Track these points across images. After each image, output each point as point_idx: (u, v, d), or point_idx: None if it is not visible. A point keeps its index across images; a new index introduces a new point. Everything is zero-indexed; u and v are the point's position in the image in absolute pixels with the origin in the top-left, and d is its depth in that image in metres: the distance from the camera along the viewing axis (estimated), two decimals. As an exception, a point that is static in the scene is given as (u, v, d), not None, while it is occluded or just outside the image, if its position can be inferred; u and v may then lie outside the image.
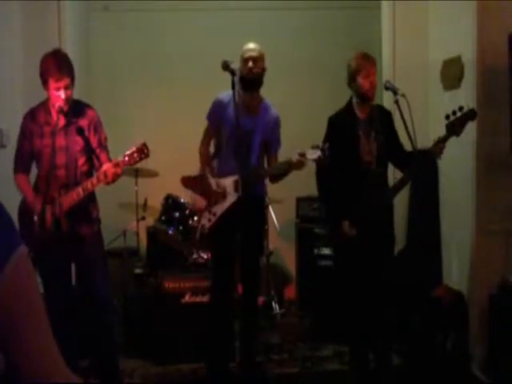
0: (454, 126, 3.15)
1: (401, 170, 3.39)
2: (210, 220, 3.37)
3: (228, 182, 3.34)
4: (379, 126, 3.29)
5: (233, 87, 3.13)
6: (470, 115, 3.19)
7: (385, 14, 4.49)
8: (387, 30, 4.44)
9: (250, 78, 3.29)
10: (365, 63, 3.24)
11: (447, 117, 3.16)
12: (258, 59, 3.39)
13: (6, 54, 3.98)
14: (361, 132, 3.28)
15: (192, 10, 5.21)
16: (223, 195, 3.34)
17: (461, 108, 3.16)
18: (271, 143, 3.46)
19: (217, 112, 3.41)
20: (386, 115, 3.37)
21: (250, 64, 3.34)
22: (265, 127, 3.37)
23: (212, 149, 3.58)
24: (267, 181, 3.56)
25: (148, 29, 5.37)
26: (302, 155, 3.10)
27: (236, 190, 3.27)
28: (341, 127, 3.32)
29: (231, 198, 3.30)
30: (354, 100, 3.31)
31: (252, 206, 3.29)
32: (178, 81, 5.00)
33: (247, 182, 3.21)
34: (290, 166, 3.18)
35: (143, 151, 3.02)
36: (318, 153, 3.07)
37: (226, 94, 3.38)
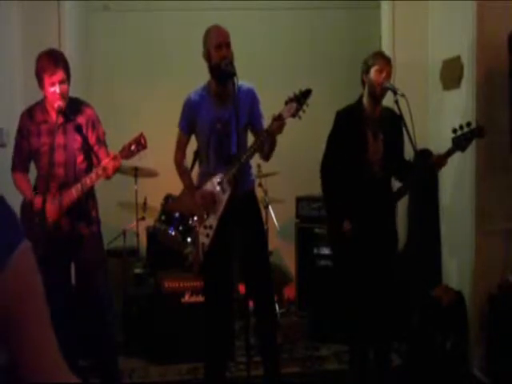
0: (460, 142, 3.13)
1: (397, 178, 3.39)
2: (208, 235, 3.15)
3: (213, 185, 3.14)
4: (388, 129, 3.27)
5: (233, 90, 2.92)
6: (478, 132, 3.15)
7: (385, 14, 4.49)
8: (387, 29, 4.44)
9: (227, 69, 2.97)
10: (379, 59, 3.24)
11: (454, 131, 3.13)
12: (229, 43, 3.08)
13: (6, 54, 3.98)
14: (369, 131, 3.26)
15: (192, 10, 5.21)
16: (213, 202, 3.13)
17: (468, 124, 3.12)
18: (255, 120, 3.19)
19: (190, 116, 3.19)
20: (396, 120, 3.27)
21: (224, 51, 3.04)
22: (244, 108, 3.04)
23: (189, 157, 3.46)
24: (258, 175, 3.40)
25: (148, 29, 5.38)
26: (278, 117, 2.91)
27: (223, 189, 3.11)
28: (348, 123, 3.30)
29: (222, 200, 3.11)
30: (365, 98, 3.30)
31: (244, 201, 3.09)
32: (177, 80, 4.99)
33: (234, 175, 3.03)
34: (270, 134, 2.96)
35: (140, 142, 3.01)
36: (294, 105, 2.89)
37: (194, 93, 3.21)
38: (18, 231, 0.83)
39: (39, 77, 3.05)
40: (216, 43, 3.05)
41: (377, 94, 3.23)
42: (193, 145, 3.39)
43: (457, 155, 3.45)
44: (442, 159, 3.15)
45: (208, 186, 3.17)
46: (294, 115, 2.91)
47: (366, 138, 3.24)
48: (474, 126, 3.14)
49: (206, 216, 3.18)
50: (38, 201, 3.07)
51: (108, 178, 3.06)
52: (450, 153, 3.15)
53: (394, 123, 3.27)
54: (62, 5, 4.25)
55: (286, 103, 2.93)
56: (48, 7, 4.19)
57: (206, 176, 3.22)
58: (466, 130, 3.12)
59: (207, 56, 3.11)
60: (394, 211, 3.37)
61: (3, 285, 0.78)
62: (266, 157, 3.22)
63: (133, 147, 3.00)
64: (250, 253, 3.20)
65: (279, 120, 2.92)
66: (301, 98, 2.90)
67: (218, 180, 3.13)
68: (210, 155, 3.19)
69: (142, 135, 3.01)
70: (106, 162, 3.02)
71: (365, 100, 3.29)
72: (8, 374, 0.80)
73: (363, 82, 3.30)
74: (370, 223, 3.20)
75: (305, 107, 2.92)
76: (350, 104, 3.36)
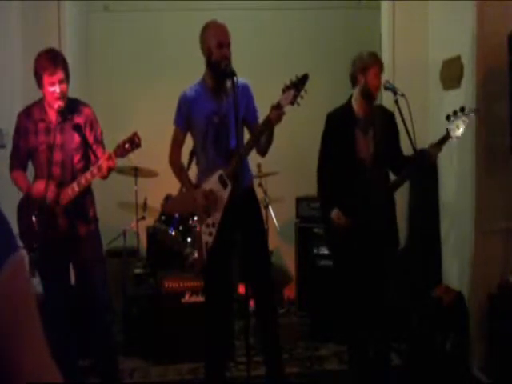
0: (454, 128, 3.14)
1: (395, 174, 3.39)
2: (211, 233, 3.11)
3: (213, 183, 3.11)
4: (379, 125, 3.28)
5: (234, 91, 2.88)
6: (474, 115, 3.16)
7: (385, 14, 4.49)
8: (387, 29, 4.44)
9: (227, 69, 2.95)
10: (375, 62, 3.22)
11: (448, 117, 3.14)
12: (230, 42, 3.08)
13: (6, 54, 3.98)
14: (358, 129, 3.26)
15: (191, 10, 5.21)
16: (214, 200, 3.10)
17: (462, 109, 3.14)
18: (250, 114, 3.19)
19: (186, 111, 3.17)
20: (388, 116, 3.33)
21: (225, 50, 3.03)
22: (240, 103, 2.98)
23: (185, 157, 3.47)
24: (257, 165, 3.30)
25: (148, 29, 5.38)
26: (277, 106, 2.90)
27: (224, 185, 3.08)
28: (338, 123, 3.31)
29: (224, 196, 3.08)
30: (355, 97, 3.29)
31: (244, 199, 3.04)
32: (177, 80, 4.98)
33: (234, 169, 3.01)
34: (270, 122, 2.94)
35: (134, 141, 3.01)
36: (292, 92, 2.87)
37: (189, 89, 3.19)
38: (12, 240, 0.82)
39: (38, 76, 3.05)
40: (218, 42, 3.05)
41: (373, 96, 3.24)
42: (188, 145, 3.39)
43: (456, 155, 3.45)
44: (437, 147, 3.15)
45: (208, 184, 3.15)
46: (292, 102, 2.89)
47: (354, 136, 3.25)
48: (468, 110, 3.13)
49: (208, 215, 3.16)
50: (39, 185, 3.06)
51: (104, 177, 3.06)
52: (444, 140, 3.14)
53: (385, 120, 3.29)
54: (61, 5, 4.25)
55: (284, 91, 2.91)
56: (48, 7, 4.19)
57: (205, 173, 3.20)
58: (459, 115, 3.13)
59: (207, 52, 3.10)
60: (392, 208, 3.36)
61: None
62: (263, 150, 3.20)
63: (127, 146, 3.00)
64: (251, 252, 3.20)
65: (278, 109, 2.91)
66: (298, 84, 2.89)
67: (219, 175, 3.11)
68: (209, 150, 3.17)
69: (135, 134, 3.02)
70: (101, 161, 3.02)
71: (356, 99, 3.28)
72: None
73: (355, 80, 3.28)
74: (366, 220, 3.19)
75: (303, 93, 2.91)
76: (340, 105, 3.37)
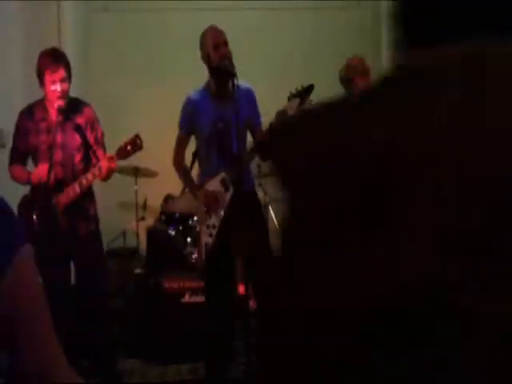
0: None
1: None
2: (211, 235, 3.12)
3: (215, 185, 3.12)
4: None
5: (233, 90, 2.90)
6: None
7: (384, 14, 4.49)
8: (387, 29, 4.43)
9: (227, 69, 2.95)
10: (367, 76, 3.28)
11: None
12: (226, 41, 3.07)
13: (6, 55, 3.98)
14: None
15: (191, 10, 5.22)
16: (216, 201, 3.11)
17: None
18: (254, 119, 3.18)
19: (190, 115, 3.15)
20: None
21: (223, 50, 3.03)
22: (244, 107, 2.98)
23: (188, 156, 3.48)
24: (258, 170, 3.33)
25: (148, 29, 5.38)
26: (282, 112, 2.93)
27: (226, 188, 3.09)
28: None
29: (225, 199, 3.10)
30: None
31: (246, 202, 3.03)
32: (178, 81, 5.00)
33: (236, 175, 3.01)
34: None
35: (136, 143, 3.02)
36: (297, 101, 2.91)
37: (193, 92, 3.18)
38: (19, 234, 0.83)
39: (40, 74, 3.06)
40: (214, 43, 3.05)
41: None
42: (191, 147, 3.39)
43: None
44: None
45: (210, 185, 3.15)
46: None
47: None
48: None
49: (208, 216, 3.17)
50: (41, 168, 3.06)
51: (104, 179, 3.06)
52: None
53: None
54: (61, 5, 4.26)
55: (289, 99, 2.96)
56: (48, 7, 4.19)
57: (207, 177, 3.22)
58: None
59: (206, 58, 3.11)
60: None
61: (6, 285, 0.78)
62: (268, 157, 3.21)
63: (128, 147, 3.01)
64: (254, 253, 3.20)
65: (283, 115, 2.93)
66: (304, 94, 2.93)
67: (221, 178, 3.12)
68: (212, 155, 3.17)
69: (137, 136, 3.03)
70: (101, 162, 3.03)
71: None
72: (9, 376, 0.81)
73: (344, 83, 3.33)
74: None
75: (307, 103, 2.94)
76: None
